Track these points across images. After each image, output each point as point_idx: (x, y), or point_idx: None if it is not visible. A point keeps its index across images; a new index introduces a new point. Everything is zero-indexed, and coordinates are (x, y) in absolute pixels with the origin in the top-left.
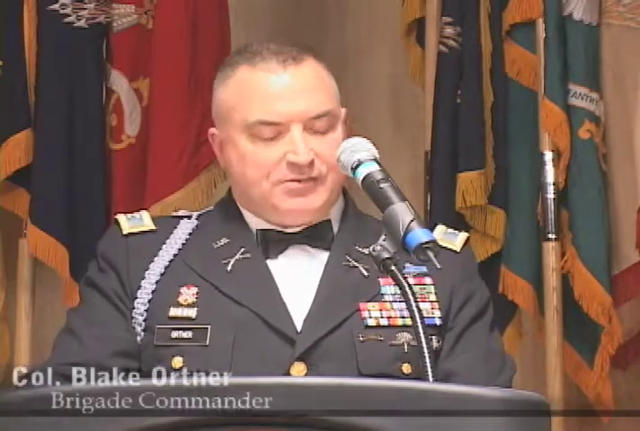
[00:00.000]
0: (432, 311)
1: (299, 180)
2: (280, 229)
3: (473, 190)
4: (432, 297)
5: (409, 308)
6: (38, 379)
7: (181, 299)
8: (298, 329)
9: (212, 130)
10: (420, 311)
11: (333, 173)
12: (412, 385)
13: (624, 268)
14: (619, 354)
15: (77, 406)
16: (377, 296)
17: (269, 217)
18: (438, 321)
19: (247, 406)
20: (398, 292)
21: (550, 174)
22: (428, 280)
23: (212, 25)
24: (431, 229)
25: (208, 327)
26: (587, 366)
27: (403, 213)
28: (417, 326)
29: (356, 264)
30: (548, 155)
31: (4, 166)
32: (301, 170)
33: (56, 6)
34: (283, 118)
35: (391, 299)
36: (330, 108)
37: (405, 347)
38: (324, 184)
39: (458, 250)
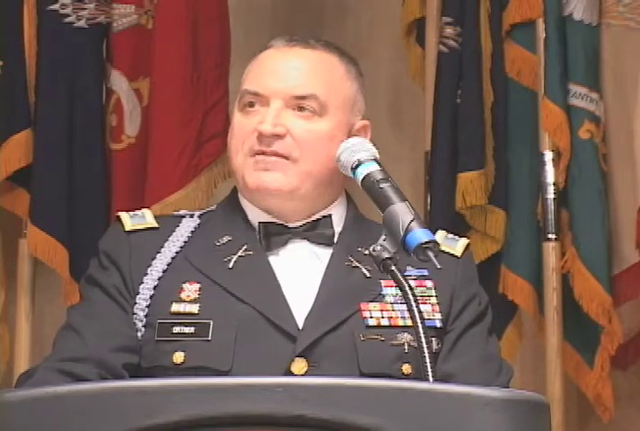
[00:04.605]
0: (433, 313)
1: (265, 153)
2: (280, 222)
3: (473, 190)
4: (433, 300)
5: (408, 306)
6: (39, 376)
7: (183, 295)
8: (300, 326)
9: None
10: (420, 311)
11: (309, 159)
12: (412, 385)
13: (624, 268)
14: (619, 354)
15: (78, 406)
16: (378, 297)
17: (245, 195)
18: (438, 324)
19: (247, 406)
20: (399, 294)
21: (550, 174)
22: (429, 283)
23: (212, 25)
24: (432, 231)
25: (211, 322)
26: (587, 366)
27: (403, 213)
28: (417, 326)
29: (358, 264)
30: (548, 155)
31: (4, 166)
32: (268, 141)
33: (56, 6)
34: (266, 90)
35: (392, 300)
36: (317, 93)
37: (406, 347)
38: (293, 165)
39: (459, 255)
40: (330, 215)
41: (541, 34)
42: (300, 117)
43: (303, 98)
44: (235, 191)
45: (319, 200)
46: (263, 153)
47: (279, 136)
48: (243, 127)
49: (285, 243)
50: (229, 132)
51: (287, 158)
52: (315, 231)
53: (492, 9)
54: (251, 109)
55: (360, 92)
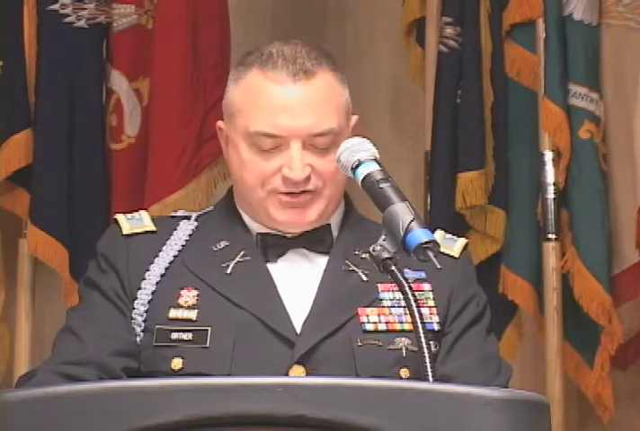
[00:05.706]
0: (430, 316)
1: (293, 193)
2: (279, 233)
3: (473, 190)
4: (431, 303)
5: (407, 304)
6: (38, 378)
7: (181, 301)
8: (298, 331)
9: (220, 124)
10: (420, 311)
11: (331, 188)
12: (412, 385)
13: (624, 268)
14: (619, 354)
15: (78, 406)
16: (375, 302)
17: (266, 223)
18: (436, 327)
19: (247, 406)
20: (397, 298)
21: (550, 174)
22: (426, 286)
23: (212, 25)
24: (432, 231)
25: (209, 329)
26: (587, 366)
27: (403, 213)
28: (417, 325)
29: (355, 268)
30: (548, 155)
31: (4, 166)
32: (295, 185)
33: (56, 6)
34: (284, 132)
35: (389, 304)
36: (333, 126)
37: (404, 351)
38: (319, 197)
39: (457, 255)
40: (329, 224)
41: (541, 34)
42: (321, 152)
43: (321, 134)
44: (231, 193)
45: (328, 216)
46: (291, 193)
47: (307, 178)
48: (260, 166)
49: (283, 253)
50: (236, 164)
51: (313, 191)
52: (314, 239)
53: (492, 9)
54: (268, 149)
55: (347, 89)
